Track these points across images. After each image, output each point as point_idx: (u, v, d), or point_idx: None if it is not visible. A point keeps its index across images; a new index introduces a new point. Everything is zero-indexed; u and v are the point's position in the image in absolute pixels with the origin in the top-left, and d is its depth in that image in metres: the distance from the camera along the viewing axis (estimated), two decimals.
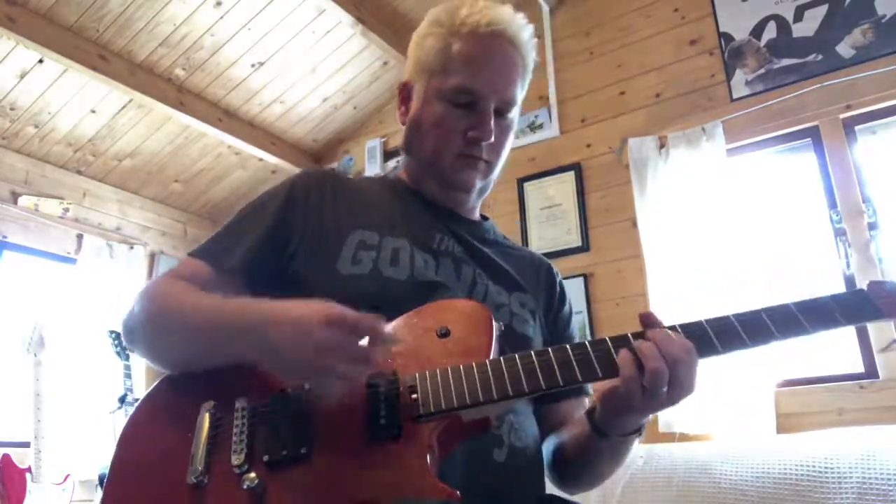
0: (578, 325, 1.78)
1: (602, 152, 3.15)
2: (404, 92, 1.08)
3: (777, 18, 2.79)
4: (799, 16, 2.74)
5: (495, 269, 1.03)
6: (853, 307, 0.76)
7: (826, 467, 1.82)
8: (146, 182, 3.98)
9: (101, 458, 3.07)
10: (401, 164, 1.13)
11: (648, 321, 0.77)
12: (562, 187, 3.21)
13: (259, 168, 4.11)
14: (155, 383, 0.85)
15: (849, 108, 2.56)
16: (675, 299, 2.62)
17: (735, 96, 2.83)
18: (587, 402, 1.04)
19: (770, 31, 2.80)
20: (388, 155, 3.90)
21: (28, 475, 2.75)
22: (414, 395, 0.73)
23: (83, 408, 3.26)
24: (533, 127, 3.37)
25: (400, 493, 0.66)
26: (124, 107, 3.39)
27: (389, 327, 0.82)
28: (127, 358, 3.14)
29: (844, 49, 2.62)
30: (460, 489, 0.66)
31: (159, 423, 0.81)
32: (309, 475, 0.70)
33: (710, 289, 2.56)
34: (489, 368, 0.74)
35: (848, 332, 2.41)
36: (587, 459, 0.90)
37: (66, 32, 2.93)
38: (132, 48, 3.14)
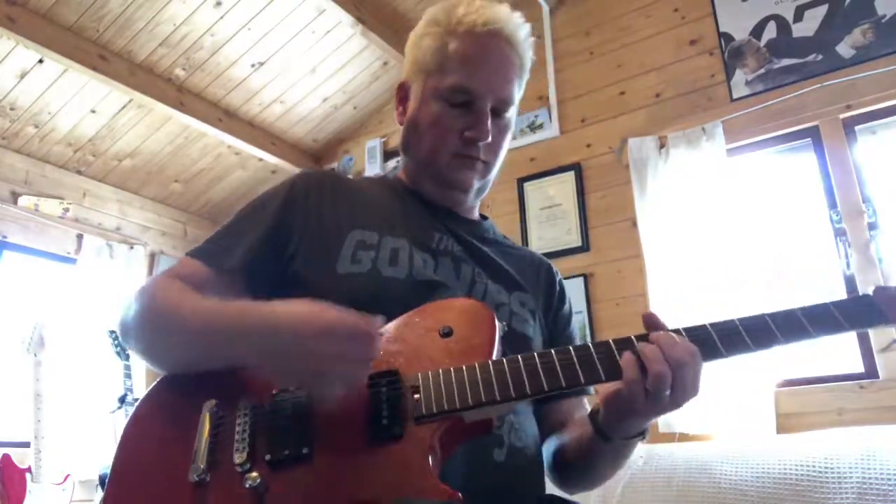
0: (578, 325, 1.79)
1: (602, 152, 3.15)
2: (402, 92, 1.08)
3: (777, 18, 2.79)
4: (799, 16, 2.74)
5: (495, 268, 1.03)
6: (858, 312, 0.76)
7: (826, 467, 1.82)
8: (146, 182, 3.98)
9: (101, 458, 3.07)
10: (400, 165, 1.12)
11: (652, 323, 0.77)
12: (562, 187, 3.21)
13: (259, 168, 4.11)
14: (156, 382, 0.85)
15: (849, 108, 2.56)
16: (675, 299, 2.63)
17: (735, 96, 2.83)
18: (587, 401, 1.05)
19: (770, 31, 2.80)
20: (388, 155, 3.90)
21: (28, 475, 2.75)
22: (416, 396, 0.73)
23: (83, 408, 3.26)
24: (533, 127, 3.37)
25: (401, 494, 0.66)
26: (124, 107, 3.39)
27: (391, 327, 0.83)
28: (127, 358, 3.14)
29: (844, 49, 2.62)
30: (460, 489, 0.66)
31: (161, 422, 0.80)
32: (310, 475, 0.70)
33: (710, 289, 2.56)
34: (492, 369, 0.74)
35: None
36: (589, 461, 0.90)
37: (66, 32, 2.93)
38: (132, 48, 3.14)
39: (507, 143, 1.05)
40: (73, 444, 3.16)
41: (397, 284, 0.90)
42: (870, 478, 1.73)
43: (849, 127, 2.59)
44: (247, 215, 0.99)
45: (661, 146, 2.90)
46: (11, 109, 3.22)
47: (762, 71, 2.79)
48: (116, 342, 3.17)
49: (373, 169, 3.90)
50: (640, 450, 2.21)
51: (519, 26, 1.01)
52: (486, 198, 1.12)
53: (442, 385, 0.73)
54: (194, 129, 3.62)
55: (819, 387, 2.41)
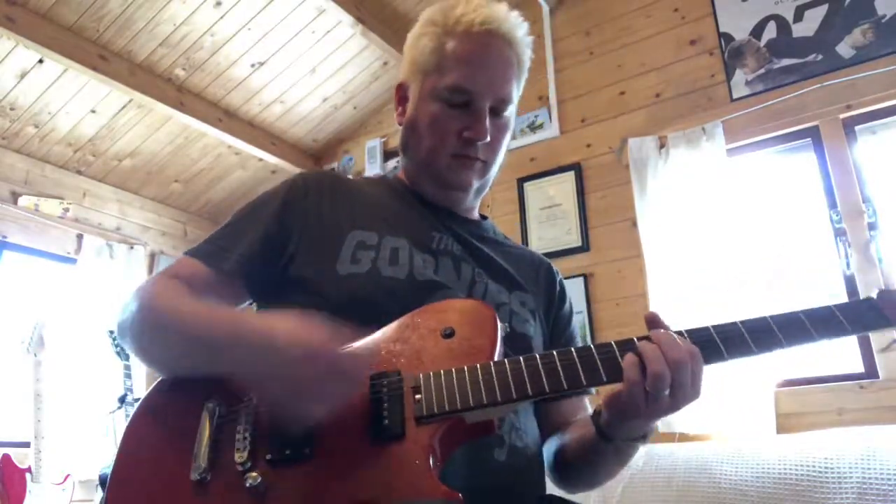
0: (578, 324, 1.78)
1: (602, 152, 3.15)
2: (401, 92, 1.07)
3: (777, 18, 2.80)
4: (799, 16, 2.74)
5: (495, 268, 1.02)
6: (861, 315, 0.75)
7: (826, 467, 1.82)
8: (146, 182, 3.98)
9: (101, 458, 3.07)
10: (400, 165, 1.12)
11: (654, 323, 0.76)
12: (562, 187, 3.21)
13: (259, 168, 4.11)
14: (157, 382, 0.85)
15: (849, 108, 2.56)
16: (675, 299, 2.63)
17: (735, 96, 2.83)
18: (588, 400, 1.04)
19: (770, 31, 2.80)
20: (387, 155, 3.90)
21: (28, 475, 2.75)
22: (417, 396, 0.73)
23: (83, 408, 3.26)
24: (533, 127, 3.37)
25: (402, 494, 0.66)
26: (124, 107, 3.39)
27: (392, 327, 0.83)
28: (127, 358, 3.14)
29: (844, 49, 2.62)
30: (461, 489, 0.66)
31: (162, 421, 0.81)
32: (311, 474, 0.70)
33: (710, 289, 2.56)
34: (493, 370, 0.74)
35: None
36: (590, 462, 0.89)
37: (66, 32, 2.93)
38: (132, 48, 3.14)
39: (507, 143, 1.05)
40: (73, 444, 3.16)
41: (398, 284, 0.89)
42: (870, 478, 1.73)
43: (849, 127, 2.59)
44: (246, 215, 0.98)
45: (661, 146, 2.90)
46: (11, 109, 3.22)
47: (762, 71, 2.79)
48: (116, 342, 3.17)
49: (373, 169, 3.90)
50: (640, 450, 2.19)
51: (516, 25, 1.01)
52: (486, 198, 1.12)
53: (443, 386, 0.73)
54: (194, 129, 3.62)
55: (819, 387, 2.41)
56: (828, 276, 2.53)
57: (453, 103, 0.97)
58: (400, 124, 1.07)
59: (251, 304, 1.00)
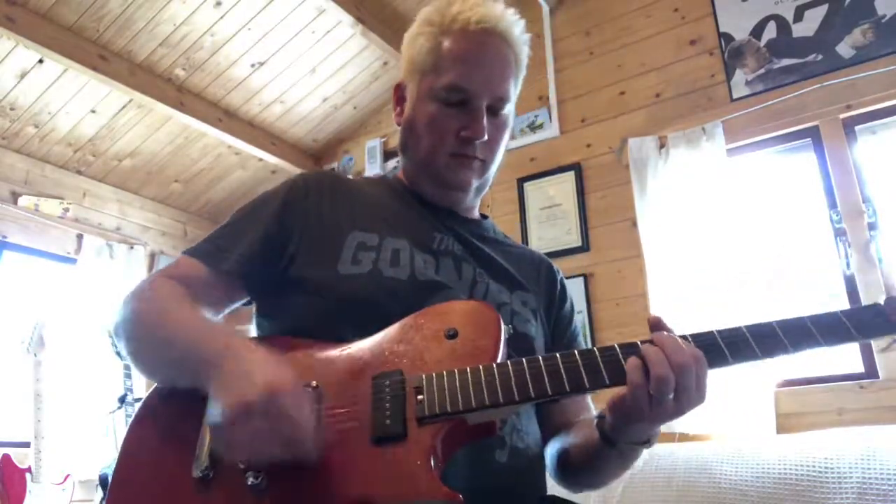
0: (579, 324, 1.78)
1: (602, 152, 3.15)
2: (399, 93, 1.07)
3: (777, 18, 2.80)
4: (799, 16, 2.74)
5: (496, 267, 1.02)
6: (868, 322, 0.74)
7: (826, 467, 1.82)
8: (146, 182, 3.98)
9: (101, 458, 3.07)
10: (399, 165, 1.12)
11: (657, 326, 0.76)
12: (562, 187, 3.21)
13: (259, 168, 4.11)
14: None
15: (849, 108, 2.56)
16: (675, 299, 2.63)
17: (735, 96, 2.83)
18: (589, 399, 1.04)
19: (770, 31, 2.80)
20: (388, 155, 3.90)
21: (28, 475, 2.75)
22: (420, 397, 0.72)
23: (83, 408, 3.26)
24: (533, 127, 3.37)
25: (402, 495, 0.66)
26: (124, 107, 3.39)
27: (395, 328, 0.83)
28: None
29: (844, 49, 2.62)
30: (462, 490, 0.66)
31: (164, 421, 0.81)
32: (312, 474, 0.70)
33: (710, 289, 2.56)
34: (496, 372, 0.73)
35: None
36: (593, 465, 0.89)
37: (66, 32, 2.93)
38: (132, 48, 3.14)
39: (506, 141, 1.05)
40: (73, 444, 3.16)
41: (399, 285, 0.89)
42: (870, 478, 1.73)
43: (849, 127, 2.59)
44: (246, 215, 0.98)
45: (661, 146, 2.90)
46: (11, 109, 3.22)
47: (762, 71, 2.79)
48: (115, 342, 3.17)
49: (373, 169, 3.90)
50: None
51: (513, 23, 1.00)
52: (486, 197, 1.12)
53: (446, 387, 0.73)
54: (194, 129, 3.62)
55: (819, 387, 2.41)
56: (828, 277, 2.53)
57: (450, 102, 0.97)
58: (398, 125, 1.06)
59: (250, 303, 1.00)
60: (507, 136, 1.04)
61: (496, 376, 0.73)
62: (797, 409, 2.40)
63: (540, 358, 0.75)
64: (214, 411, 0.69)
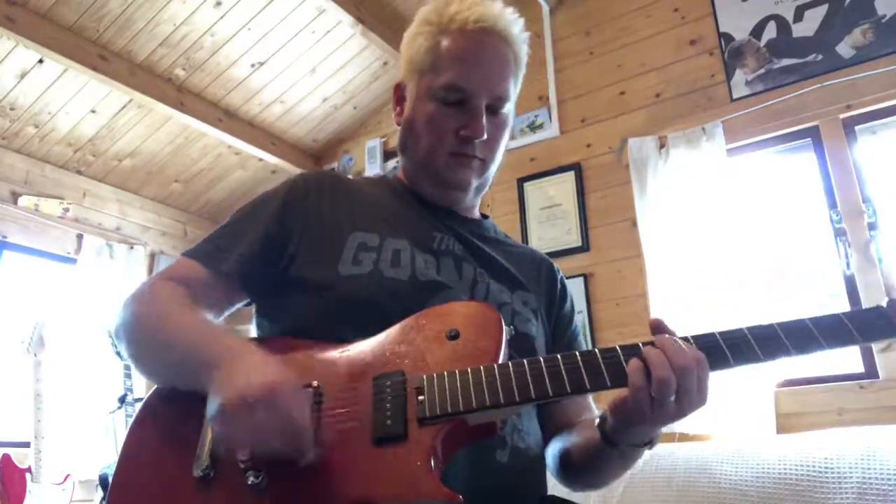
0: (579, 324, 1.78)
1: (602, 152, 3.15)
2: (398, 93, 1.07)
3: (777, 18, 2.80)
4: (799, 16, 2.74)
5: (496, 267, 1.02)
6: (871, 324, 0.74)
7: (826, 467, 1.82)
8: (146, 182, 3.98)
9: (101, 458, 3.07)
10: (399, 165, 1.12)
11: (658, 328, 0.75)
12: (562, 187, 3.21)
13: (259, 168, 4.11)
14: None
15: (849, 108, 2.57)
16: (675, 299, 2.63)
17: (735, 96, 2.84)
18: (591, 398, 1.04)
19: (770, 31, 2.80)
20: (387, 155, 3.90)
21: (28, 475, 2.75)
22: (421, 397, 0.73)
23: (83, 408, 3.26)
24: (533, 127, 3.37)
25: (403, 495, 0.66)
26: (124, 107, 3.39)
27: (396, 328, 0.83)
28: None
29: (844, 49, 2.62)
30: (462, 490, 0.66)
31: (165, 422, 0.81)
32: (313, 473, 0.70)
33: (710, 289, 2.56)
34: (497, 373, 0.73)
35: None
36: (595, 465, 0.89)
37: (66, 32, 2.93)
38: (132, 48, 3.14)
39: (506, 140, 1.04)
40: (73, 444, 3.16)
41: (400, 285, 0.89)
42: (870, 478, 1.73)
43: (849, 127, 2.59)
44: (246, 215, 0.98)
45: (661, 146, 2.90)
46: (11, 109, 3.22)
47: (762, 71, 2.79)
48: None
49: (373, 169, 3.90)
50: None
51: (512, 22, 1.00)
52: (486, 197, 1.12)
53: (447, 387, 0.73)
54: (194, 129, 3.62)
55: (819, 387, 2.41)
56: (828, 276, 2.53)
57: (449, 102, 0.97)
58: (398, 124, 1.06)
59: (250, 304, 1.00)
60: (506, 135, 1.04)
61: (497, 377, 0.73)
62: (797, 409, 2.40)
63: (541, 359, 0.75)
64: (214, 405, 0.69)
